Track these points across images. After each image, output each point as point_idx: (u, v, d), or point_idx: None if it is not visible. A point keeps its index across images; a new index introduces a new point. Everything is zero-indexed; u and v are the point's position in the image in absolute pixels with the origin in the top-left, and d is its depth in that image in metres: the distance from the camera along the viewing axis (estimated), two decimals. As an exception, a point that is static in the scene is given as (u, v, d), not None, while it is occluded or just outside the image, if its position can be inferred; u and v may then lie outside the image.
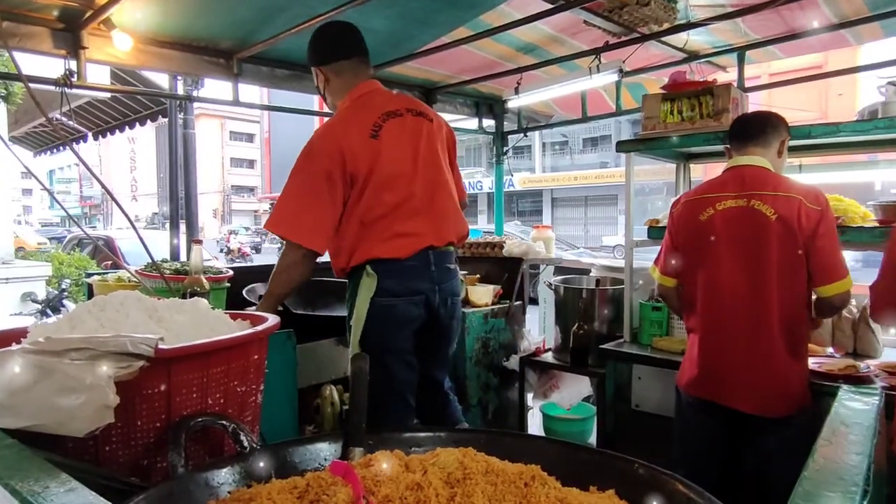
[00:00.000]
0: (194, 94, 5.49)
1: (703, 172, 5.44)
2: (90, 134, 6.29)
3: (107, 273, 2.21)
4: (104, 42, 2.40)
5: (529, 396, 3.11)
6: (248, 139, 48.59)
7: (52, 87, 2.33)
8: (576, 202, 29.02)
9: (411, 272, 1.89)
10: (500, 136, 4.20)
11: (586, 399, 3.09)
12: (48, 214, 51.14)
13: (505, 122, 4.22)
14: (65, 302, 5.84)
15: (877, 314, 1.90)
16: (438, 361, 2.07)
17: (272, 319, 1.13)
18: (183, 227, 7.07)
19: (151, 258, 2.12)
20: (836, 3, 2.69)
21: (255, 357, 1.06)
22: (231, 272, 2.16)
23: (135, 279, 2.02)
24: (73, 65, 2.37)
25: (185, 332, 1.00)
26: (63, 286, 5.94)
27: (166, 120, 6.69)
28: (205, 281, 1.83)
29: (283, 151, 38.21)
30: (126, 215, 2.15)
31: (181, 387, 0.92)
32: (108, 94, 5.26)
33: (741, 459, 1.94)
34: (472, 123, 4.18)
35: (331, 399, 2.08)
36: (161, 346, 0.87)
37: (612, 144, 27.26)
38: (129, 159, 38.93)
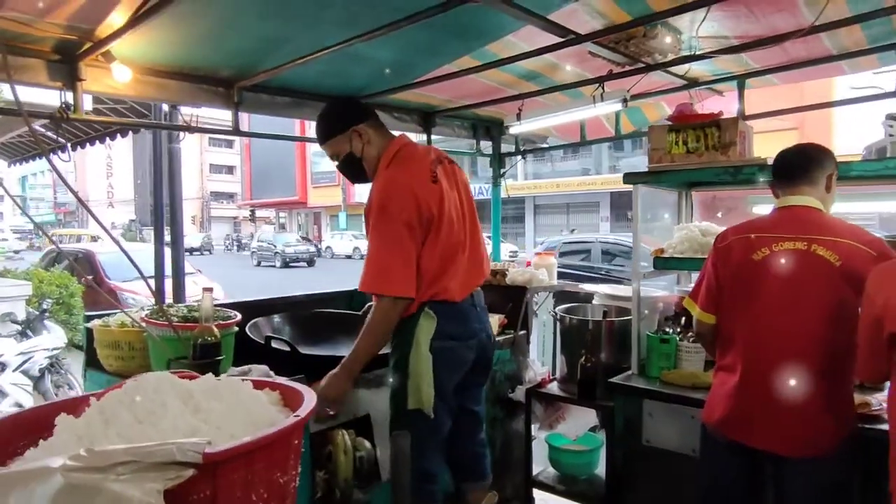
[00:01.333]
0: (180, 116, 5.40)
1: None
2: (69, 145, 6.12)
3: (108, 316, 2.12)
4: (102, 73, 2.31)
5: (534, 427, 3.07)
6: (227, 145, 48.12)
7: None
8: (558, 209, 29.24)
9: (466, 314, 2.01)
10: (498, 159, 4.18)
11: (592, 429, 3.06)
12: (20, 221, 49.97)
13: (502, 144, 4.20)
14: (46, 322, 5.67)
15: (860, 378, 1.90)
16: (473, 397, 2.17)
17: (308, 397, 1.08)
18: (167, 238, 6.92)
19: (142, 275, 2.05)
20: (837, 35, 2.71)
21: (296, 442, 1.01)
22: (239, 316, 2.09)
23: (138, 325, 1.94)
24: (68, 96, 2.28)
25: (223, 422, 0.95)
26: (44, 306, 5.76)
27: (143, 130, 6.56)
28: (215, 329, 1.76)
29: (264, 158, 37.89)
30: (116, 241, 2.07)
31: (226, 488, 0.87)
32: (91, 107, 5.15)
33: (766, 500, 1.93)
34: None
35: (344, 446, 2.02)
36: (207, 449, 0.81)
37: (592, 151, 27.57)
38: (105, 165, 38.25)
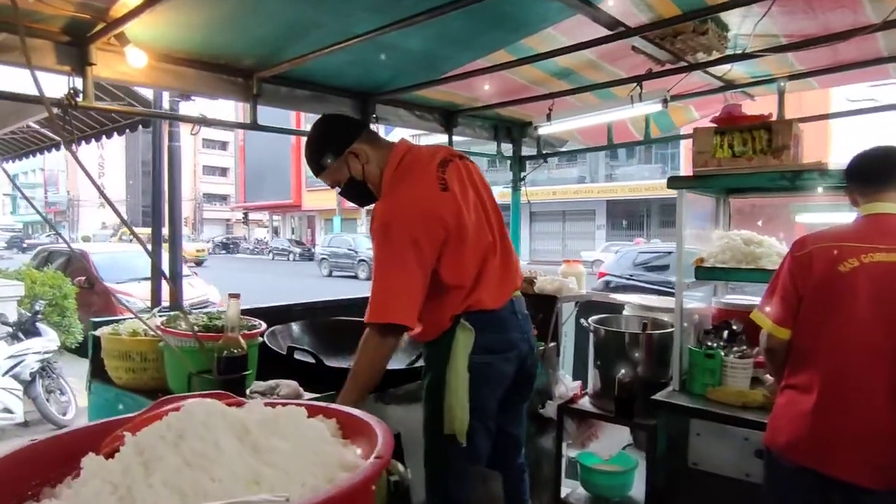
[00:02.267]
0: (180, 107, 5.20)
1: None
2: (63, 143, 5.89)
3: (117, 322, 1.92)
4: (114, 58, 2.13)
5: (563, 445, 2.89)
6: (221, 147, 47.88)
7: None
8: (554, 216, 29.17)
9: (505, 323, 1.81)
10: (518, 162, 4.02)
11: (625, 448, 2.89)
12: (10, 220, 49.39)
13: (522, 147, 4.04)
14: (38, 325, 5.44)
15: None
16: (513, 417, 1.96)
17: (381, 430, 0.90)
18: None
19: (165, 276, 1.84)
20: (893, 36, 2.57)
21: (373, 487, 0.83)
22: (264, 325, 1.90)
23: (154, 333, 1.74)
24: (77, 82, 2.10)
25: (290, 466, 0.76)
26: (37, 308, 5.53)
27: (140, 129, 6.35)
28: (242, 340, 1.58)
29: (258, 160, 37.63)
30: (137, 237, 1.89)
31: (302, 553, 0.69)
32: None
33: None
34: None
35: (377, 469, 1.83)
36: (286, 508, 0.63)
37: (588, 159, 27.55)
38: (96, 165, 37.85)
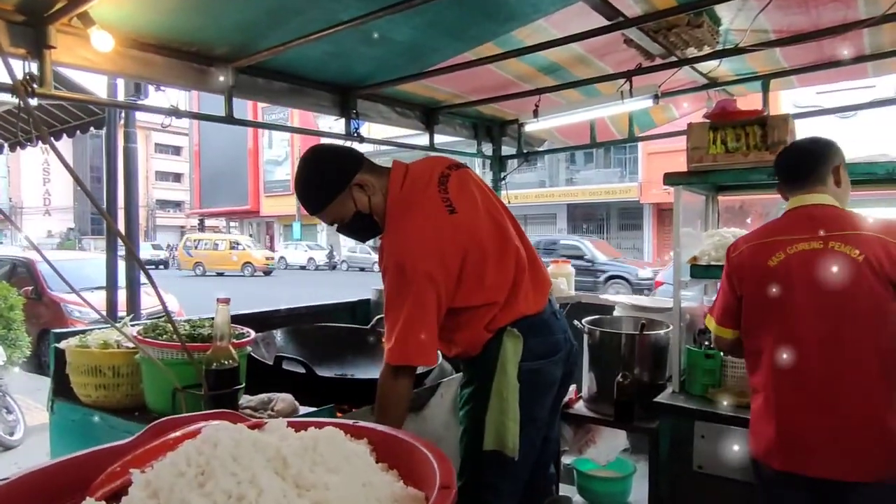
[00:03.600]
0: (141, 100, 4.92)
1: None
2: (7, 145, 5.53)
3: (83, 334, 1.72)
4: (75, 41, 1.93)
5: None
6: (174, 152, 46.53)
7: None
8: (516, 221, 29.30)
9: (549, 326, 1.76)
10: (498, 161, 3.92)
11: (622, 453, 2.81)
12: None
13: (502, 147, 3.94)
14: (-19, 339, 5.06)
15: None
16: (555, 417, 1.94)
17: (432, 454, 0.77)
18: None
19: (155, 286, 1.63)
20: (879, 33, 2.59)
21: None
22: (254, 333, 1.73)
23: (130, 344, 1.55)
24: (34, 67, 1.89)
25: (344, 504, 0.62)
26: (-21, 321, 5.14)
27: (95, 131, 6.01)
28: (233, 350, 1.41)
29: (214, 165, 36.60)
30: (124, 239, 1.70)
31: None
32: (36, 102, 4.61)
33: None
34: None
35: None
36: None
37: (547, 163, 27.78)
38: (41, 170, 36.18)
